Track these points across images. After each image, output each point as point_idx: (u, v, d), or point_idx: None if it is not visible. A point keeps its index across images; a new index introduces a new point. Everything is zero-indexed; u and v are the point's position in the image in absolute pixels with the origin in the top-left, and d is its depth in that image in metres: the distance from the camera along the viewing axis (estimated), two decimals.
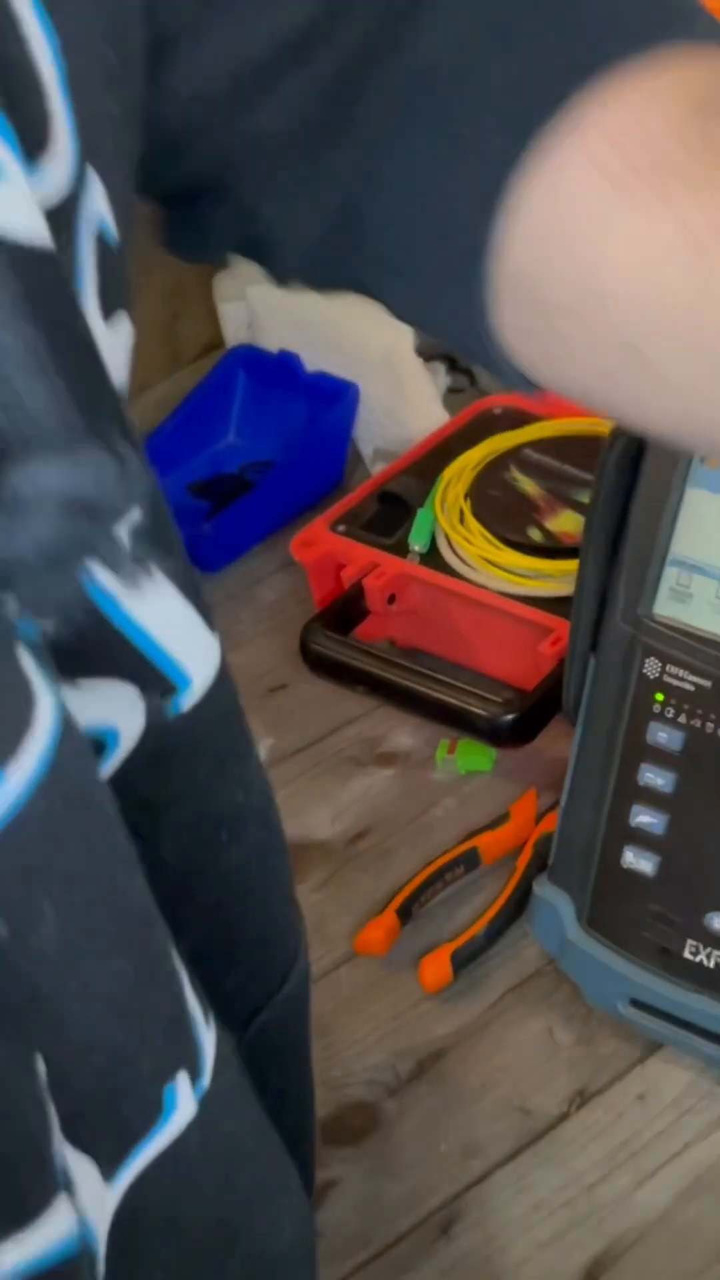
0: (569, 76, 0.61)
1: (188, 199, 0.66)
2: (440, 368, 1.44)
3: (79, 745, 0.53)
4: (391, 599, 1.21)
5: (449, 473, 1.26)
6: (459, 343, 0.67)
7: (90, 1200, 0.56)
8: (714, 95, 0.62)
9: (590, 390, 0.66)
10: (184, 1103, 0.59)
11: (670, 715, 0.94)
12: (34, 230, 0.49)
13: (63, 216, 0.54)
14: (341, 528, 1.25)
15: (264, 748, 1.20)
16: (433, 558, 1.22)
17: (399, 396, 1.38)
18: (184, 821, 0.63)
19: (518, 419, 1.31)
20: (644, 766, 0.96)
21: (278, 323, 1.43)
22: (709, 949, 0.96)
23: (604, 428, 1.28)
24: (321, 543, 1.24)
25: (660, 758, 0.95)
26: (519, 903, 1.07)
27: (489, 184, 0.62)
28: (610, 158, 0.61)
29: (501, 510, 1.23)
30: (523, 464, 1.27)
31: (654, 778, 0.96)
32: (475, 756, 1.17)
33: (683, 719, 0.94)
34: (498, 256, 0.63)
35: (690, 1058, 0.99)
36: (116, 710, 0.58)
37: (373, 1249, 0.93)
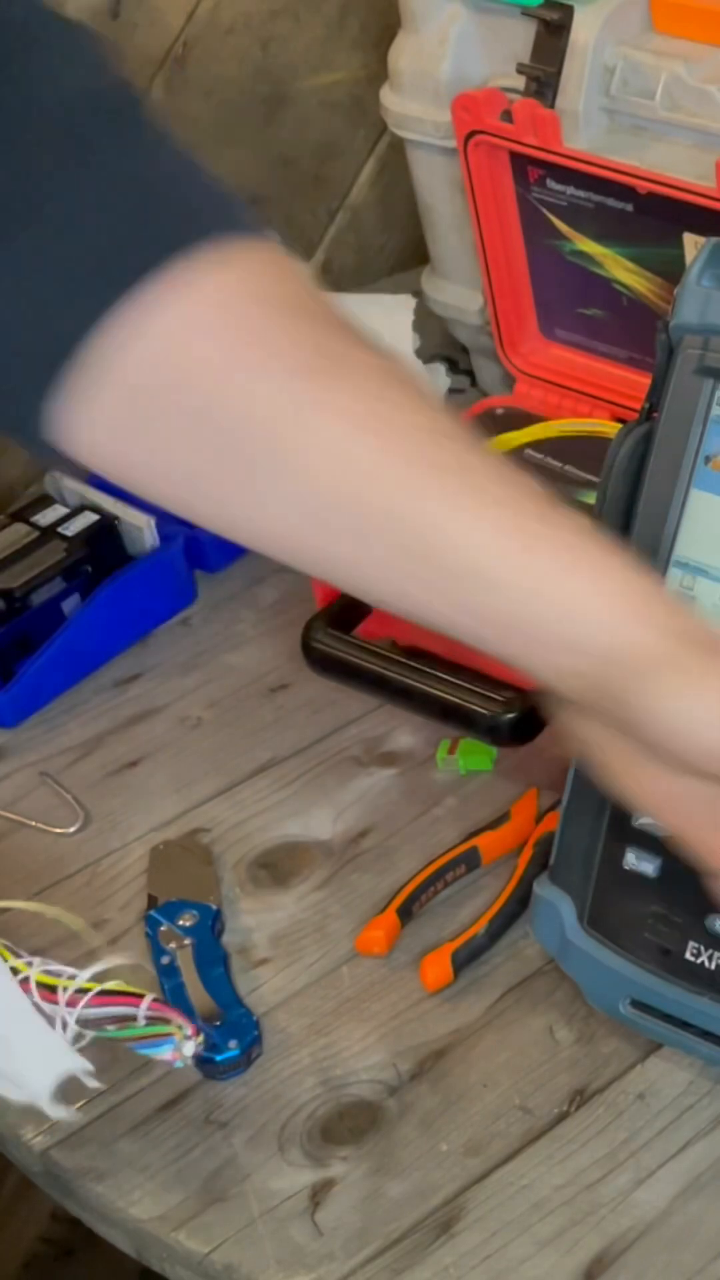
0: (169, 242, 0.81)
1: None
2: (440, 369, 1.44)
3: None
4: None
5: None
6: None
7: None
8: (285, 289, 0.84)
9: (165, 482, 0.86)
10: None
11: None
12: None
13: None
14: None
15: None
16: None
17: None
18: None
19: (519, 420, 1.32)
20: None
21: None
22: (710, 950, 0.96)
23: (605, 430, 1.29)
24: None
25: None
26: (520, 902, 1.07)
27: (92, 307, 0.80)
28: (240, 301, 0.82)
29: None
30: (524, 465, 1.26)
31: None
32: (476, 756, 1.17)
33: None
34: (106, 368, 0.80)
35: (690, 1057, 0.99)
36: None
37: (374, 1248, 0.93)
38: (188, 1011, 1.02)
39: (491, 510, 0.81)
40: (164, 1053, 0.92)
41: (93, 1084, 0.91)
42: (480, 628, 0.82)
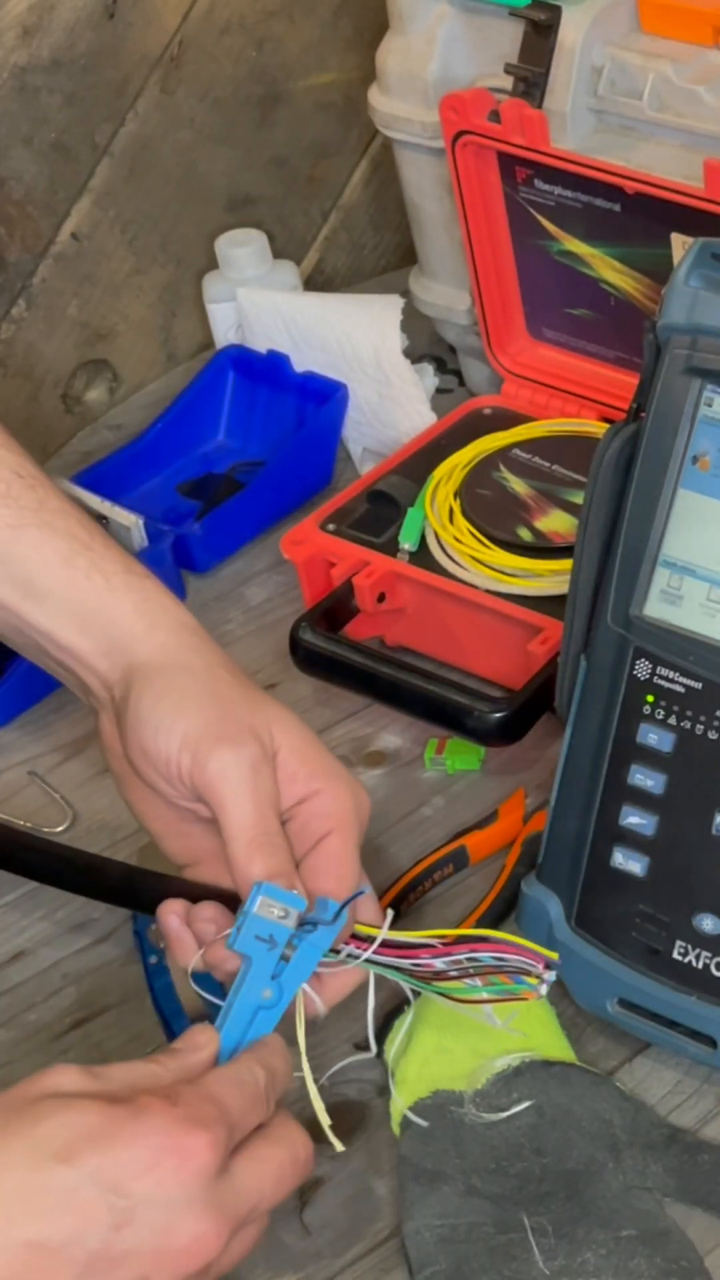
0: None
1: None
2: (428, 368, 1.44)
3: None
4: (381, 597, 1.21)
5: (439, 472, 1.27)
6: None
7: None
8: None
9: None
10: None
11: (660, 717, 0.95)
12: None
13: None
14: (331, 526, 1.25)
15: None
16: (422, 557, 1.22)
17: (387, 397, 1.39)
18: None
19: (507, 420, 1.32)
20: (634, 767, 0.96)
21: (267, 323, 1.43)
22: (697, 949, 0.96)
23: (593, 429, 1.29)
24: (311, 541, 1.24)
25: (650, 759, 0.96)
26: (507, 902, 1.07)
27: None
28: None
29: (491, 510, 1.24)
30: (512, 464, 1.27)
31: (644, 779, 0.96)
32: (464, 755, 1.17)
33: (673, 720, 0.95)
34: None
35: (677, 1056, 1.00)
36: None
37: (361, 1247, 0.94)
38: (175, 1010, 1.02)
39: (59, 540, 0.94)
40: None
41: None
42: (30, 632, 0.94)
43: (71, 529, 0.95)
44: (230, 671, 0.93)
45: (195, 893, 0.91)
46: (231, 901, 0.89)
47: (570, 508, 1.23)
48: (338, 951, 0.88)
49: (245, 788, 0.87)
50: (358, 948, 0.88)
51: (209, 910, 0.89)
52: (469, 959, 0.88)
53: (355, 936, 0.89)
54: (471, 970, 0.88)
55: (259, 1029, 0.85)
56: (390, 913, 0.90)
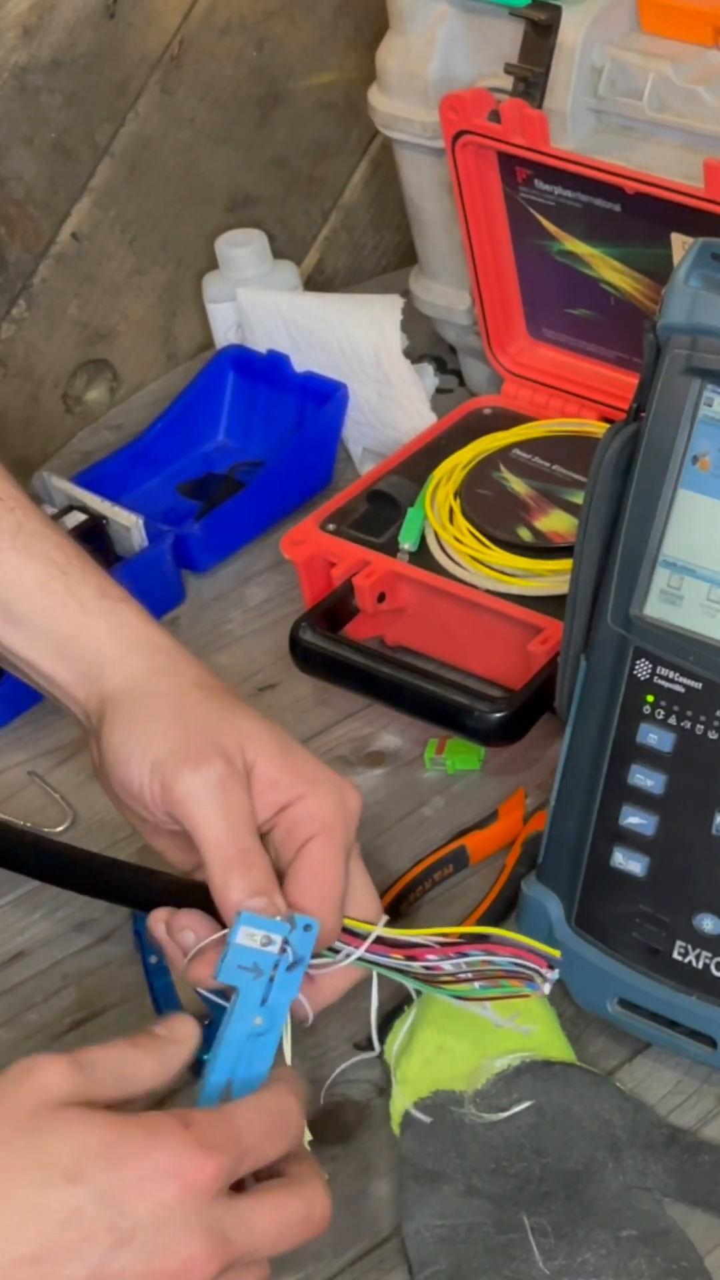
0: None
1: None
2: (428, 368, 1.45)
3: None
4: (381, 597, 1.21)
5: (439, 472, 1.27)
6: None
7: None
8: None
9: None
10: None
11: (661, 717, 0.95)
12: None
13: None
14: (331, 526, 1.25)
15: None
16: (422, 556, 1.22)
17: (387, 397, 1.39)
18: None
19: (507, 420, 1.32)
20: (634, 767, 0.96)
21: (266, 323, 1.43)
22: (697, 950, 0.96)
23: (593, 429, 1.29)
24: (311, 541, 1.24)
25: (650, 759, 0.96)
26: (508, 902, 1.07)
27: None
28: None
29: (491, 509, 1.24)
30: (512, 464, 1.27)
31: (644, 779, 0.96)
32: (464, 755, 1.17)
33: (673, 720, 0.95)
34: None
35: (677, 1056, 1.00)
36: None
37: (361, 1247, 0.93)
38: (174, 1010, 1.02)
39: (36, 565, 0.95)
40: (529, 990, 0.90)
41: None
42: (11, 657, 0.95)
43: (49, 552, 0.95)
44: (203, 688, 0.92)
45: (186, 892, 0.91)
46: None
47: (570, 508, 1.23)
48: (336, 951, 0.88)
49: (214, 807, 0.87)
50: (354, 945, 0.88)
51: (186, 919, 0.89)
52: (484, 960, 0.88)
53: (351, 933, 0.89)
54: (487, 974, 0.88)
55: (253, 1056, 0.85)
56: (384, 917, 0.90)
